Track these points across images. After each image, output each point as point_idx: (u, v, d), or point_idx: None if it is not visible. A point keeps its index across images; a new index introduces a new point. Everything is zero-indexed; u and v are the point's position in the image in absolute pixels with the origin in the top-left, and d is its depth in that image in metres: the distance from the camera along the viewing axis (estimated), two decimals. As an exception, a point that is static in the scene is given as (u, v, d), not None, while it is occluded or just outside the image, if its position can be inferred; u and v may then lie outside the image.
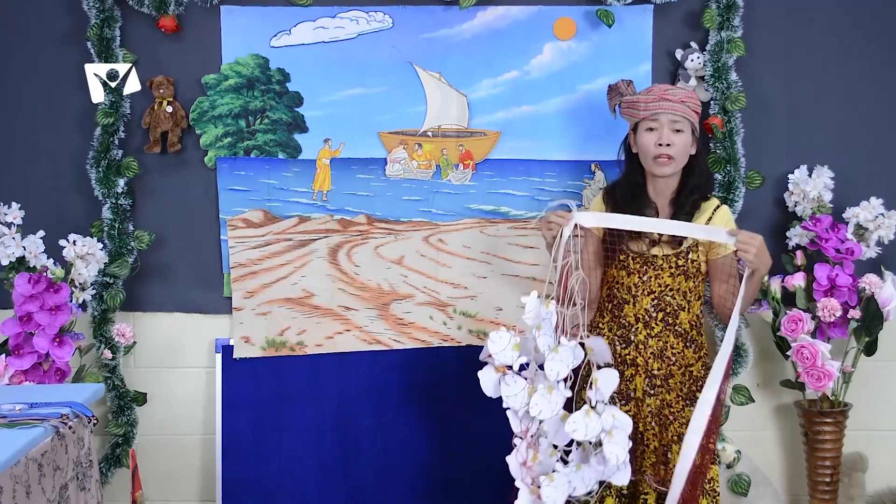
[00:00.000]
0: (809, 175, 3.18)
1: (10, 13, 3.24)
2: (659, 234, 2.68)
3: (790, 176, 3.20)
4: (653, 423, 2.66)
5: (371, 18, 3.23)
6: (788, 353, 3.08)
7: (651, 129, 2.69)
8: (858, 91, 3.28)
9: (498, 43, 3.24)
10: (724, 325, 3.06)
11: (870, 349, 3.13)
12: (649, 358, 2.68)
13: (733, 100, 3.14)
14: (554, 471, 2.43)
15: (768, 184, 3.24)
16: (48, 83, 3.24)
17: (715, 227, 2.63)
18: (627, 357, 2.69)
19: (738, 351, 3.16)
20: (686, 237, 2.67)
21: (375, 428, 3.28)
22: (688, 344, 2.70)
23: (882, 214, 3.13)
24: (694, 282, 2.71)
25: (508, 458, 2.47)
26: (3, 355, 2.89)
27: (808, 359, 3.01)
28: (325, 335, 3.27)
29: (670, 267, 2.68)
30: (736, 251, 2.56)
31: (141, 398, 3.27)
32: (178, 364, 3.33)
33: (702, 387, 2.67)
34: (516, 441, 2.46)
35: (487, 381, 2.48)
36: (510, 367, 2.45)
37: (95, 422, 2.24)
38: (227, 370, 3.26)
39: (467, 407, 3.26)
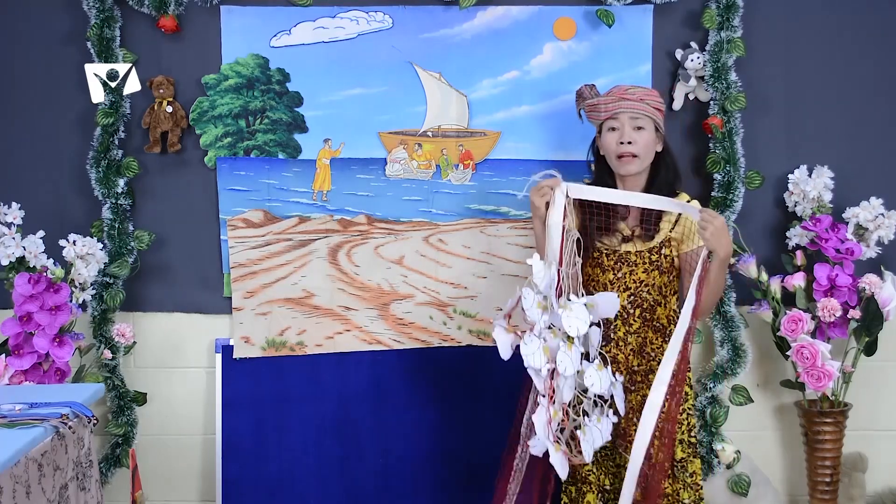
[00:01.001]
0: (809, 175, 3.18)
1: (10, 13, 3.24)
2: (631, 230, 2.72)
3: (790, 176, 3.20)
4: (634, 419, 2.67)
5: (371, 18, 3.24)
6: (788, 353, 3.08)
7: (613, 129, 2.73)
8: (858, 91, 3.28)
9: (498, 43, 3.24)
10: (701, 320, 3.08)
11: (870, 349, 3.13)
12: (629, 354, 2.70)
13: (733, 100, 3.14)
14: (585, 424, 2.50)
15: (768, 184, 3.24)
16: (48, 83, 3.24)
17: (689, 205, 2.64)
18: (608, 354, 2.69)
19: (737, 351, 3.17)
20: (658, 232, 2.71)
21: (375, 428, 3.28)
22: (666, 339, 2.69)
23: (882, 214, 3.13)
24: (668, 277, 2.72)
25: (534, 417, 2.49)
26: (3, 355, 2.89)
27: (808, 359, 3.01)
28: (325, 335, 3.27)
29: (643, 262, 2.70)
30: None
31: (141, 398, 3.27)
32: (178, 364, 3.33)
33: (681, 381, 2.69)
34: (540, 399, 2.50)
35: (502, 342, 2.55)
36: (531, 328, 2.50)
37: (95, 422, 2.25)
38: (227, 370, 3.26)
39: (467, 407, 3.27)
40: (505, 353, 2.55)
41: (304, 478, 3.27)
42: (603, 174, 2.82)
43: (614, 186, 2.78)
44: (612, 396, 2.55)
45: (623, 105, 2.71)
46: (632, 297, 2.70)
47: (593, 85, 2.86)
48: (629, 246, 2.71)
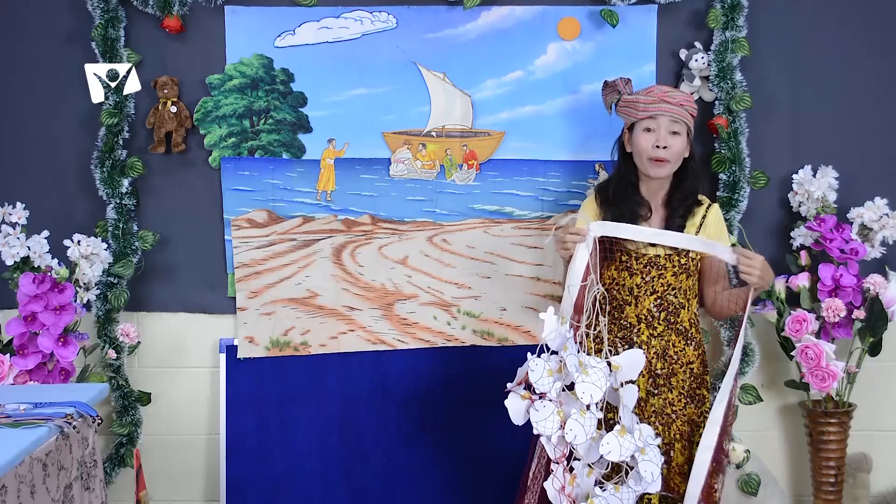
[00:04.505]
0: (814, 175, 3.17)
1: (14, 13, 3.24)
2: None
3: (794, 176, 3.19)
4: (656, 423, 2.66)
5: (375, 18, 3.23)
6: (793, 353, 3.08)
7: (649, 130, 2.71)
8: (863, 91, 3.28)
9: (502, 43, 3.24)
10: (718, 320, 3.07)
11: (874, 349, 3.13)
12: (652, 358, 2.69)
13: (738, 100, 3.14)
14: (594, 496, 2.40)
15: (773, 184, 3.24)
16: (52, 83, 3.24)
17: (720, 244, 2.65)
18: None
19: (745, 350, 3.16)
20: (686, 234, 2.71)
21: (379, 428, 3.28)
22: (688, 342, 2.72)
23: (886, 215, 3.13)
24: (693, 280, 2.74)
25: (546, 485, 2.44)
26: (8, 355, 2.89)
27: (812, 359, 3.00)
28: (329, 335, 3.27)
29: (673, 266, 2.69)
30: (738, 272, 2.60)
31: (145, 398, 3.27)
32: (183, 364, 3.33)
33: (701, 384, 2.70)
34: (553, 467, 2.42)
35: (515, 408, 2.45)
36: (542, 395, 2.40)
37: (100, 422, 2.25)
38: (231, 370, 3.26)
39: (471, 407, 3.26)
40: (518, 420, 2.44)
41: (308, 478, 3.27)
42: (628, 172, 2.80)
43: (637, 184, 2.77)
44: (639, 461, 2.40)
45: (664, 108, 2.69)
46: (658, 301, 2.69)
47: (629, 79, 2.84)
48: (657, 249, 2.70)
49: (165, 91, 3.18)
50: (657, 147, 2.68)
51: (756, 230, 3.22)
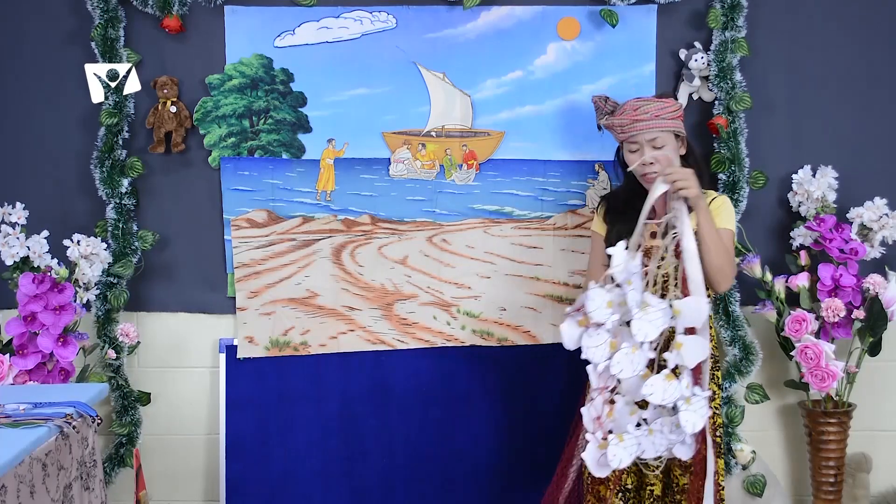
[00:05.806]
0: (813, 175, 3.17)
1: (14, 13, 3.24)
2: (657, 224, 2.69)
3: (794, 176, 3.19)
4: None
5: (375, 18, 3.23)
6: (793, 353, 3.08)
7: (633, 151, 2.73)
8: (863, 91, 3.28)
9: (502, 43, 3.24)
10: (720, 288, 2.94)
11: (874, 349, 3.13)
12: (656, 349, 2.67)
13: (738, 100, 3.14)
14: (625, 434, 2.38)
15: (772, 184, 3.24)
16: (52, 83, 3.24)
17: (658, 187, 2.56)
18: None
19: (747, 349, 3.15)
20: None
21: (379, 428, 3.28)
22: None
23: (886, 215, 3.12)
24: None
25: (583, 410, 2.44)
26: (8, 355, 2.89)
27: (812, 359, 3.00)
28: (329, 335, 3.27)
29: (670, 256, 2.64)
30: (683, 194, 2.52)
31: (145, 398, 3.27)
32: (182, 364, 3.33)
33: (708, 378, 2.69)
34: (593, 394, 2.42)
35: (569, 334, 2.44)
36: (600, 325, 2.39)
37: (99, 421, 2.25)
38: (231, 370, 3.26)
39: (471, 406, 3.27)
40: (570, 345, 2.44)
41: (308, 477, 3.27)
42: (631, 182, 2.81)
43: (644, 193, 2.75)
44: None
45: (638, 127, 2.69)
46: (661, 294, 2.68)
47: (607, 97, 2.83)
48: (657, 241, 2.68)
49: (165, 91, 3.18)
50: (644, 165, 2.70)
51: (756, 230, 3.23)
